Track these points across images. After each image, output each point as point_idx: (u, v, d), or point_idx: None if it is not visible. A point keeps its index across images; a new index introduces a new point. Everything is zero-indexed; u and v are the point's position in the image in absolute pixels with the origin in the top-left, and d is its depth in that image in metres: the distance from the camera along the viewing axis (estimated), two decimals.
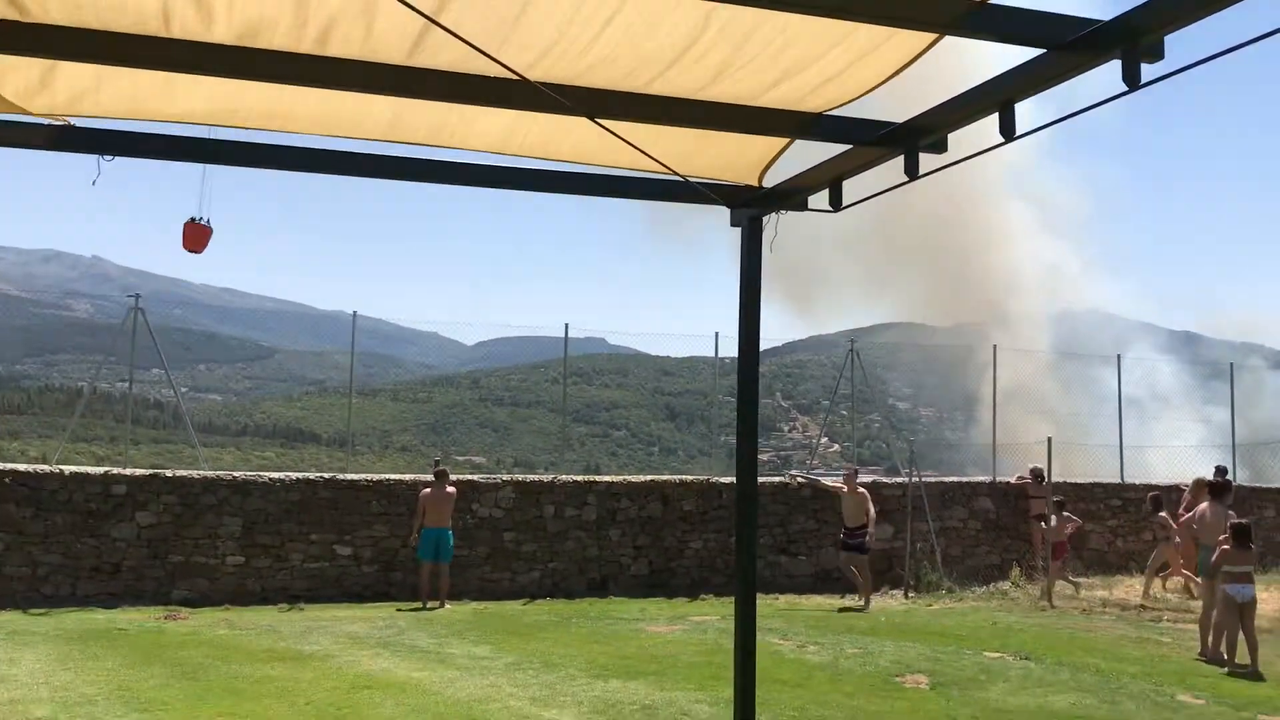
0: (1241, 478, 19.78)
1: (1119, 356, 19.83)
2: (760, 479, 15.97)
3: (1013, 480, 17.06)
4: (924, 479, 16.40)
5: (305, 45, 3.73)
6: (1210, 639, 10.42)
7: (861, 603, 13.93)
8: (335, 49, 3.77)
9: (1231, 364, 21.18)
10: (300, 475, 14.52)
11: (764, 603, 13.89)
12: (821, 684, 8.83)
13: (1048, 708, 8.11)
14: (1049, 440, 15.12)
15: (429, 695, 8.29)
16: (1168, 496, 15.87)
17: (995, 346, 18.50)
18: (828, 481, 15.35)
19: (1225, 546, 10.09)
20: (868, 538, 13.98)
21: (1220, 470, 16.18)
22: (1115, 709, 8.09)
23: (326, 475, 14.62)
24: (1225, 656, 10.04)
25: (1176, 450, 22.98)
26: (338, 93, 4.09)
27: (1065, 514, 15.09)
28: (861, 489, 14.26)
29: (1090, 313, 65.78)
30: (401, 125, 4.56)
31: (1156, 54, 3.41)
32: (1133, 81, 3.40)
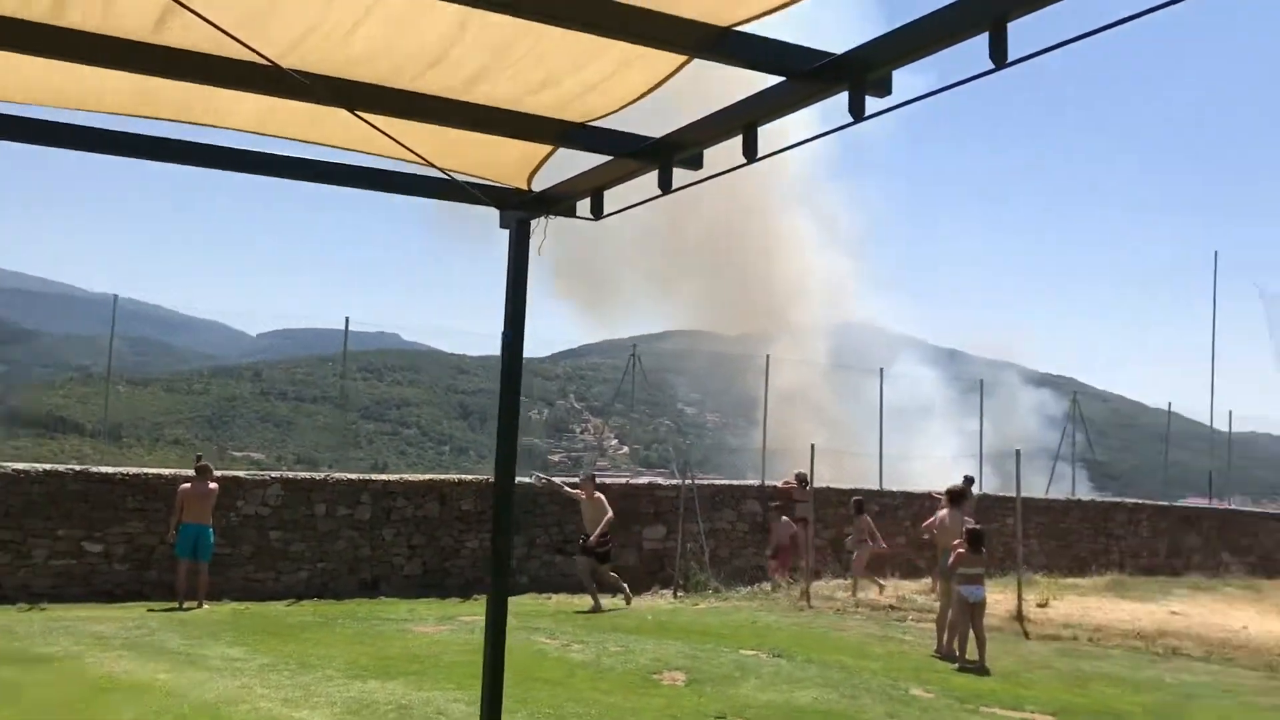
0: (992, 486, 21.28)
1: (881, 370, 21.01)
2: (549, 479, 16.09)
3: (779, 485, 17.79)
4: (700, 481, 16.90)
5: (37, 13, 3.54)
6: (945, 637, 11.19)
7: (624, 603, 14.22)
8: (73, 19, 3.60)
9: (982, 380, 22.79)
10: (48, 467, 13.66)
11: (537, 602, 14.03)
12: (581, 682, 8.98)
13: (793, 702, 8.52)
14: (812, 447, 15.89)
15: (173, 698, 7.96)
16: (920, 504, 16.91)
17: (768, 356, 19.29)
18: (568, 489, 14.97)
19: (960, 550, 10.86)
20: (599, 540, 14.00)
21: (967, 480, 17.37)
22: (854, 703, 8.58)
23: (77, 467, 13.81)
24: (958, 653, 10.80)
25: (936, 459, 24.54)
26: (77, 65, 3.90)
27: (785, 519, 16.13)
28: (599, 495, 14.23)
29: (865, 326, 69.16)
30: (148, 99, 4.38)
31: (884, 88, 3.64)
32: (858, 113, 3.63)
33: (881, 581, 16.24)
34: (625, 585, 14.50)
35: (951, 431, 36.55)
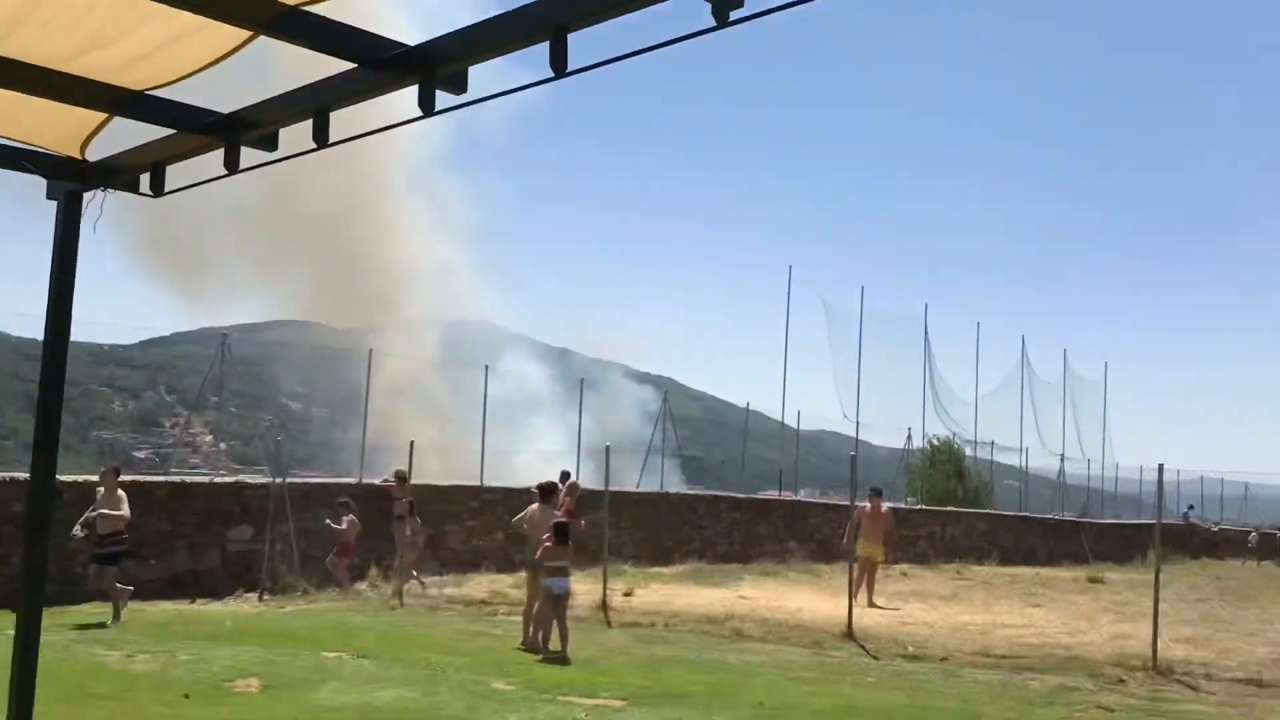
0: (591, 480, 22.06)
1: (487, 366, 21.25)
2: (136, 478, 14.76)
3: (379, 482, 17.50)
4: (297, 479, 16.26)
5: None
6: (531, 629, 11.47)
7: (113, 620, 12.13)
8: None
9: (583, 380, 23.67)
10: None
11: (102, 610, 12.84)
12: (143, 695, 8.32)
13: (372, 703, 8.37)
14: (411, 444, 15.76)
15: None
16: (520, 499, 17.26)
17: (370, 351, 18.96)
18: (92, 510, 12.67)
19: (548, 544, 11.19)
20: (110, 539, 12.36)
21: (564, 475, 17.95)
22: (433, 700, 8.56)
23: None
24: (542, 644, 11.10)
25: (541, 454, 25.19)
26: None
27: (350, 515, 15.94)
28: (120, 491, 12.66)
29: (478, 322, 69.73)
30: None
31: (458, 85, 3.62)
32: (427, 107, 3.60)
33: (420, 579, 16.18)
34: (124, 601, 12.47)
35: (558, 427, 37.79)
